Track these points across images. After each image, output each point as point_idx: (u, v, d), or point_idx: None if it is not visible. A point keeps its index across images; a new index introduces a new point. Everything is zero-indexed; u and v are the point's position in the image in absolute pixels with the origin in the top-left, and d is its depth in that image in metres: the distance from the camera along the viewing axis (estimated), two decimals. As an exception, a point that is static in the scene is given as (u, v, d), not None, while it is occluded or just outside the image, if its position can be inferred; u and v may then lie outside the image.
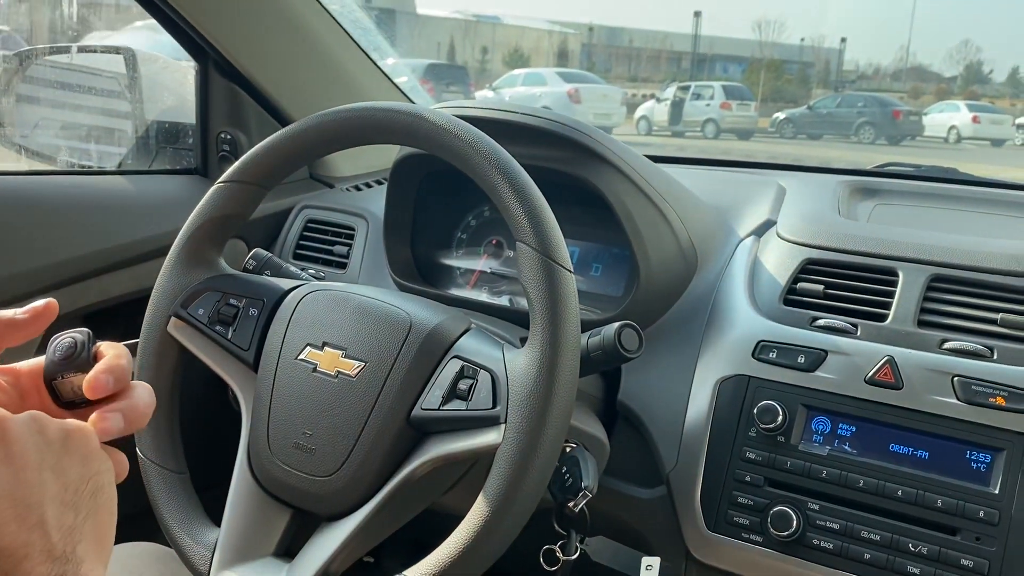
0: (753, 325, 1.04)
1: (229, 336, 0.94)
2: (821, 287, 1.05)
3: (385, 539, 0.89)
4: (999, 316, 0.97)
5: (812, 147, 16.53)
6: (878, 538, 0.90)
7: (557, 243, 0.80)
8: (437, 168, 1.16)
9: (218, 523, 0.91)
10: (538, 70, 20.71)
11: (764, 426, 0.97)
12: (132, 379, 0.60)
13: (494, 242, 1.27)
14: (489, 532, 0.76)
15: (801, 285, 1.07)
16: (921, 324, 0.99)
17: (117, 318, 1.33)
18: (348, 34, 1.51)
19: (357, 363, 0.86)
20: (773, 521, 0.94)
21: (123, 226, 1.32)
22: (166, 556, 1.05)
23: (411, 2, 26.79)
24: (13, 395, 0.59)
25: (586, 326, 0.89)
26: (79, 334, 0.60)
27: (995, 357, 0.94)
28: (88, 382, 0.57)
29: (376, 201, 1.38)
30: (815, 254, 1.09)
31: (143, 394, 0.60)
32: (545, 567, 0.94)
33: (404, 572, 0.79)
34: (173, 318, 0.95)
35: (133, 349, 1.14)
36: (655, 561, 1.02)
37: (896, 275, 1.03)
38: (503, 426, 0.77)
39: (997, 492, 0.87)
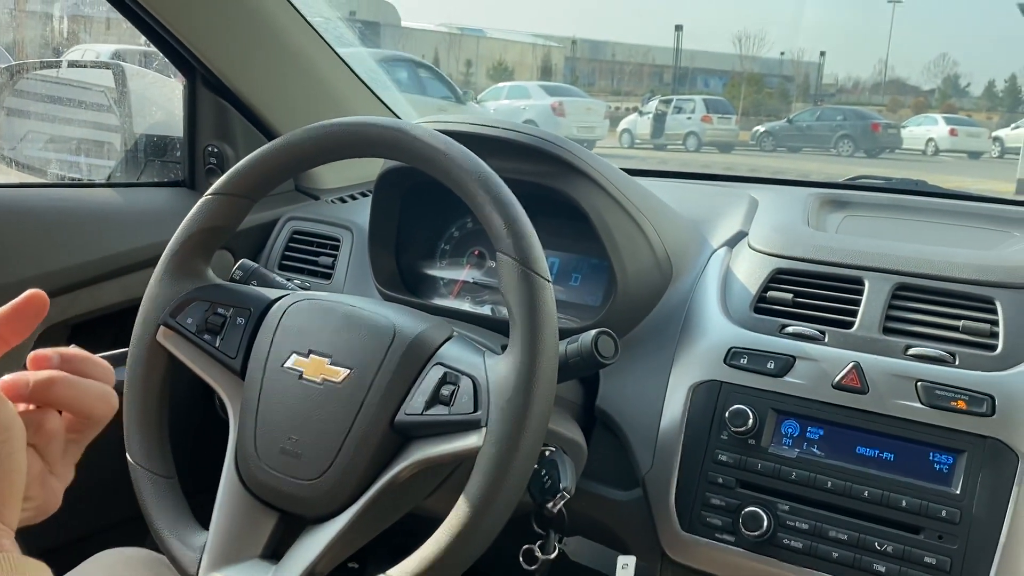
0: (725, 332, 1.07)
1: (217, 344, 0.96)
2: (790, 295, 1.09)
3: (370, 545, 0.92)
4: (961, 323, 1.01)
5: (792, 160, 16.66)
6: (845, 537, 0.94)
7: (536, 254, 0.83)
8: (421, 181, 1.19)
9: (206, 527, 0.93)
10: (522, 83, 20.78)
11: (736, 429, 1.00)
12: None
13: (476, 253, 1.30)
14: (470, 532, 0.79)
15: (771, 294, 1.10)
16: (886, 331, 1.02)
17: (106, 328, 1.35)
18: (333, 49, 1.54)
19: (342, 370, 0.89)
20: (745, 521, 0.97)
21: (112, 237, 1.34)
22: (155, 561, 1.07)
23: (395, 15, 26.85)
24: None
25: (565, 334, 0.93)
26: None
27: (957, 363, 0.98)
28: (31, 355, 0.61)
29: (361, 213, 1.41)
30: (784, 264, 1.12)
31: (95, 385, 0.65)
32: (525, 566, 0.97)
33: (387, 572, 0.82)
34: (162, 327, 0.97)
35: (123, 358, 1.17)
36: (631, 560, 1.05)
37: (862, 284, 1.07)
38: (484, 430, 0.80)
39: (958, 492, 0.91)
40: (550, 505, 0.92)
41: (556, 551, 0.97)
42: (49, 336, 1.26)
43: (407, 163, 0.92)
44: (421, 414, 0.85)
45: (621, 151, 17.67)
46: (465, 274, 1.29)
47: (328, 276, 1.39)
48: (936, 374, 0.96)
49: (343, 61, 1.56)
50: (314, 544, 0.87)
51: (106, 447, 1.08)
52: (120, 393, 0.99)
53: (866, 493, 0.94)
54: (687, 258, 1.20)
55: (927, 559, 0.90)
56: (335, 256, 1.41)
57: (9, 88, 1.66)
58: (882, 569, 0.91)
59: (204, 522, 0.95)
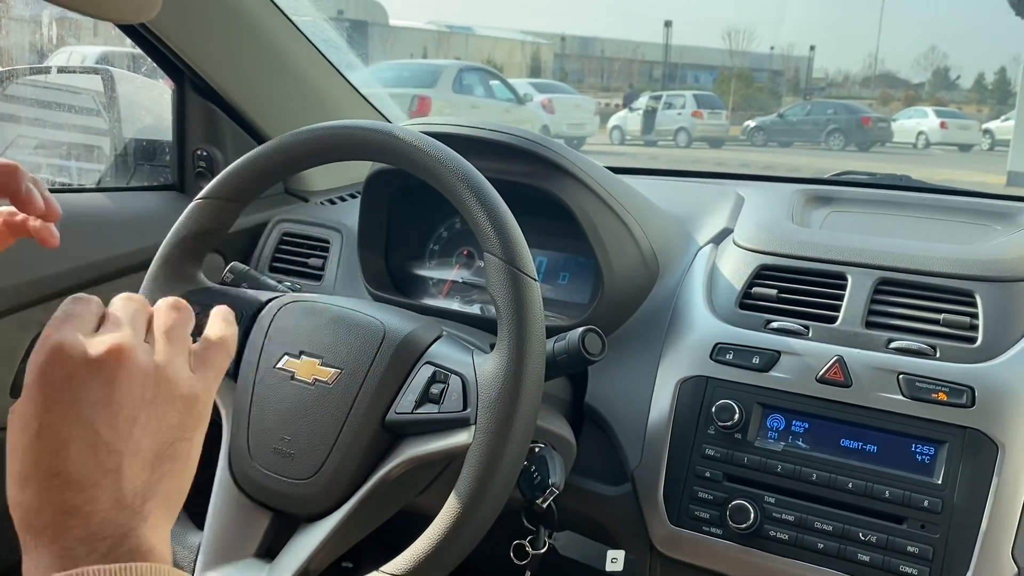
0: (711, 328, 1.09)
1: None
2: (775, 291, 1.11)
3: (363, 543, 0.93)
4: (942, 316, 1.03)
5: (782, 154, 16.70)
6: (830, 528, 0.95)
7: (522, 253, 0.85)
8: (409, 182, 1.21)
9: (201, 527, 0.95)
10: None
11: (722, 424, 1.02)
12: None
13: (465, 253, 1.32)
14: (461, 527, 0.80)
15: (756, 290, 1.12)
16: (869, 325, 1.04)
17: (99, 331, 1.36)
18: (321, 52, 1.55)
19: (333, 370, 0.90)
20: (732, 514, 0.99)
21: (103, 242, 1.35)
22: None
23: (384, 14, 26.81)
24: None
25: (553, 332, 0.94)
26: None
27: (938, 355, 0.99)
28: None
29: (350, 214, 1.42)
30: (769, 260, 1.14)
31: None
32: (515, 561, 0.98)
33: (380, 568, 0.83)
34: None
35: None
36: (620, 554, 1.07)
37: (845, 279, 1.09)
38: (473, 427, 0.82)
39: (940, 482, 0.93)
40: (540, 501, 0.93)
41: (546, 546, 0.98)
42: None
43: (395, 165, 0.94)
44: (411, 413, 0.86)
45: (612, 148, 17.68)
46: (454, 274, 1.31)
47: (318, 277, 1.40)
48: (917, 367, 0.98)
49: (330, 63, 1.57)
50: (308, 542, 0.88)
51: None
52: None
53: (850, 485, 0.96)
54: (673, 255, 1.22)
55: (910, 548, 0.92)
56: (325, 257, 1.42)
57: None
58: (866, 559, 0.93)
59: (198, 522, 0.96)
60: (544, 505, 0.93)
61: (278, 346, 0.94)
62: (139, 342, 0.54)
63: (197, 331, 0.60)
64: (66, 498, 0.49)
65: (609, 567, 1.07)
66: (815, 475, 0.97)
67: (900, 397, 0.97)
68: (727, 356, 1.06)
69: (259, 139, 1.51)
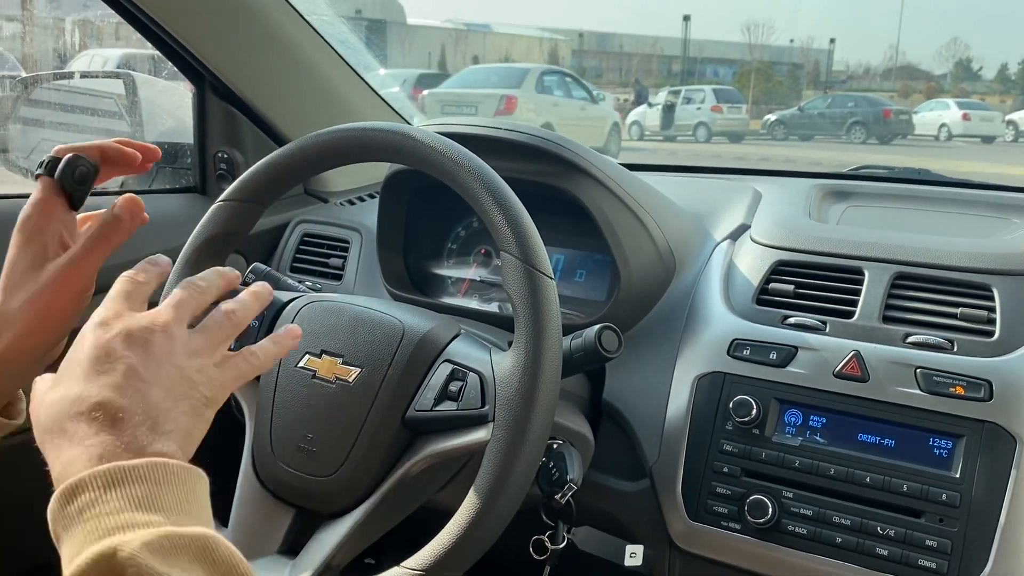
0: (728, 325, 1.09)
1: (231, 347, 0.99)
2: (791, 287, 1.11)
3: (385, 539, 0.94)
4: (959, 311, 1.03)
5: (803, 148, 16.59)
6: (848, 523, 0.96)
7: (538, 252, 0.85)
8: (427, 182, 1.22)
9: (225, 524, 0.96)
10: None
11: (740, 419, 1.02)
12: None
13: (483, 252, 1.33)
14: (480, 522, 0.81)
15: (773, 285, 1.12)
16: (886, 320, 1.04)
17: (123, 332, 1.38)
18: (339, 54, 1.56)
19: (354, 369, 0.92)
20: (750, 509, 0.99)
21: (126, 244, 1.36)
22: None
23: (401, 12, 26.86)
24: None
25: (571, 329, 0.95)
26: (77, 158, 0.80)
27: (955, 349, 0.99)
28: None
29: (369, 215, 1.43)
30: (785, 256, 1.14)
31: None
32: (535, 556, 0.99)
33: (401, 564, 0.84)
34: None
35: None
36: (638, 549, 1.08)
37: (862, 274, 1.09)
38: (491, 424, 0.83)
39: (958, 476, 0.93)
40: (558, 496, 0.94)
41: (565, 541, 0.99)
42: (67, 340, 1.29)
43: (412, 166, 0.95)
44: (430, 410, 0.88)
45: (631, 143, 17.63)
46: (472, 272, 1.32)
47: (338, 277, 1.42)
48: (935, 361, 0.98)
49: (348, 64, 1.58)
50: (330, 538, 0.89)
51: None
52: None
53: (868, 479, 0.96)
54: (690, 252, 1.22)
55: (928, 542, 0.92)
56: (345, 257, 1.43)
57: (24, 98, 1.70)
58: (884, 552, 0.93)
59: (223, 520, 0.97)
60: (563, 501, 0.94)
61: (300, 345, 0.95)
62: (177, 328, 0.66)
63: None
64: (110, 398, 0.57)
65: (628, 562, 1.08)
66: (833, 470, 0.98)
67: (917, 391, 0.97)
68: (744, 352, 1.06)
69: (279, 141, 1.52)
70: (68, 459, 0.56)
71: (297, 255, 1.49)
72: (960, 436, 0.94)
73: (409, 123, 1.67)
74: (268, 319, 0.99)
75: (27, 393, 0.68)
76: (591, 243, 1.23)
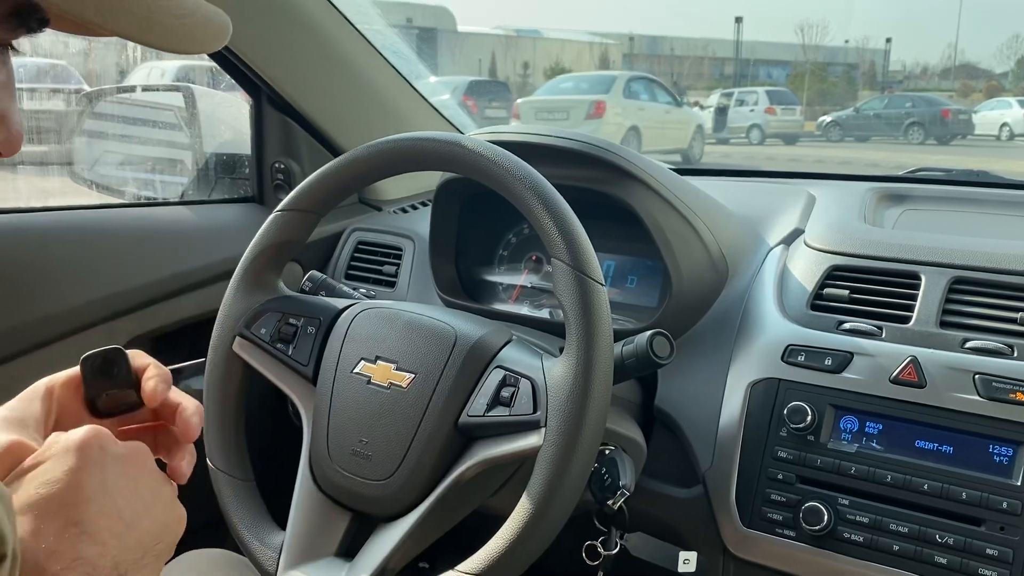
0: (782, 330, 1.09)
1: (289, 353, 1.01)
2: (847, 292, 1.10)
3: (438, 544, 0.96)
4: (1019, 315, 1.00)
5: (859, 149, 16.30)
6: (906, 530, 0.94)
7: (589, 258, 0.86)
8: (478, 189, 1.23)
9: (283, 527, 0.98)
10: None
11: (794, 426, 1.01)
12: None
13: (534, 258, 1.33)
14: (533, 527, 0.82)
15: (827, 291, 1.11)
16: (943, 325, 1.03)
17: (184, 339, 1.41)
18: (391, 64, 1.58)
19: (408, 375, 0.93)
20: (805, 516, 0.98)
21: (187, 253, 1.41)
22: (235, 561, 1.12)
23: (452, 20, 27.02)
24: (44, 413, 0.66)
25: (622, 335, 0.95)
26: (111, 351, 0.65)
27: (1015, 355, 0.97)
28: (149, 393, 0.65)
29: (422, 222, 1.45)
30: (840, 261, 1.13)
31: (191, 409, 0.69)
32: (587, 561, 1.00)
33: (455, 568, 0.85)
34: (238, 338, 1.03)
35: (201, 367, 1.22)
36: (692, 555, 1.07)
37: (919, 279, 1.07)
38: (543, 429, 0.83)
39: (1019, 484, 0.91)
40: (610, 502, 0.94)
41: (618, 547, 1.00)
42: (131, 348, 1.33)
43: (463, 174, 0.96)
44: (483, 415, 0.88)
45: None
46: (523, 279, 1.33)
47: (392, 284, 1.44)
48: (994, 366, 0.96)
49: (400, 75, 1.60)
50: (386, 542, 0.90)
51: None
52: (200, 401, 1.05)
53: (926, 486, 0.94)
54: (743, 257, 1.22)
55: (989, 551, 0.90)
56: (398, 265, 1.45)
57: (88, 112, 1.75)
58: (943, 561, 0.92)
59: (281, 522, 0.99)
60: (615, 507, 0.95)
61: (355, 351, 0.97)
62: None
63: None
64: (80, 548, 0.55)
65: (681, 568, 1.08)
66: (889, 477, 0.96)
67: (976, 397, 0.95)
68: (799, 358, 1.05)
69: (334, 151, 1.55)
70: None
71: (352, 263, 1.51)
72: (1021, 443, 0.92)
73: (460, 131, 1.69)
74: (325, 326, 1.01)
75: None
76: (642, 248, 1.23)
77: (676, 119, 14.01)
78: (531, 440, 0.84)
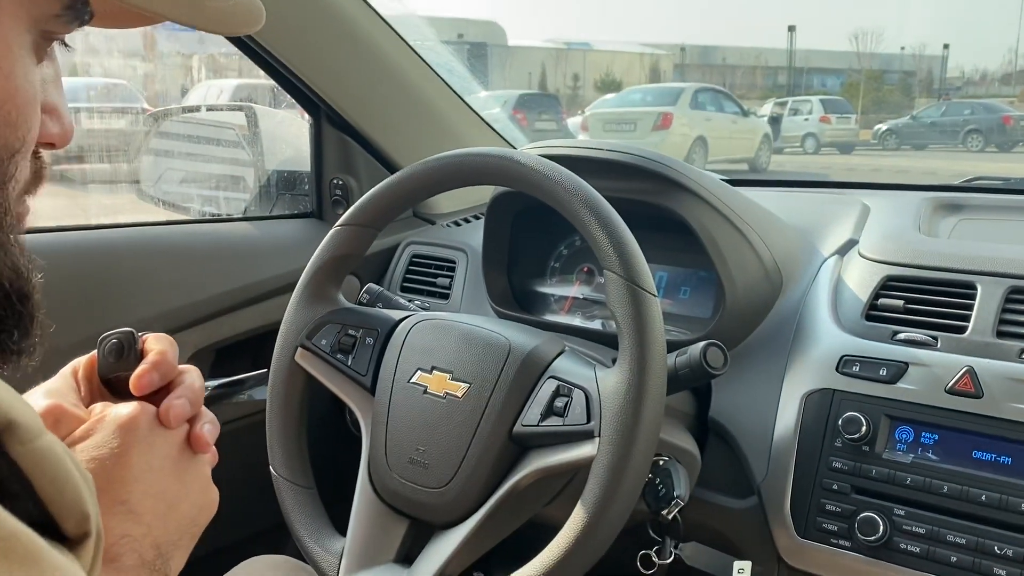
0: (836, 341, 1.08)
1: (349, 363, 1.04)
2: (901, 302, 1.09)
3: (494, 553, 0.97)
4: None
5: (917, 158, 15.98)
6: (964, 541, 0.94)
7: (641, 270, 0.87)
8: (530, 202, 1.25)
9: (344, 533, 1.01)
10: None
11: (849, 436, 1.01)
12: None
13: (585, 270, 1.35)
14: (587, 536, 0.83)
15: (882, 301, 1.11)
16: (1000, 335, 1.02)
17: (247, 350, 1.45)
18: (444, 81, 1.62)
19: (463, 385, 0.95)
20: (860, 527, 0.98)
21: (250, 268, 1.45)
22: (297, 567, 1.14)
23: (502, 34, 27.15)
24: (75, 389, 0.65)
25: (676, 346, 0.96)
26: (123, 334, 0.64)
27: (1075, 365, 0.96)
28: (134, 381, 0.62)
29: (475, 235, 1.47)
30: (895, 271, 1.13)
31: (195, 377, 0.66)
32: (642, 571, 1.01)
33: (511, 574, 0.87)
34: (299, 349, 1.06)
35: (264, 378, 1.26)
36: (746, 565, 1.07)
37: (975, 288, 1.06)
38: (597, 439, 0.85)
39: None
40: (665, 512, 0.95)
41: (672, 556, 1.00)
42: (197, 359, 1.37)
43: (515, 188, 0.98)
44: (537, 425, 0.90)
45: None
46: (575, 290, 1.34)
47: (446, 296, 1.46)
48: (1053, 377, 0.95)
49: (454, 92, 1.63)
50: (443, 549, 0.92)
51: (251, 461, 1.18)
52: (263, 411, 1.09)
53: (983, 497, 0.94)
54: (797, 268, 1.22)
55: (1050, 563, 0.89)
56: (452, 277, 1.47)
57: (154, 132, 1.81)
58: (1002, 573, 0.91)
59: (341, 529, 1.02)
60: (669, 516, 0.96)
61: (411, 362, 1.00)
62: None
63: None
64: (126, 526, 0.56)
65: (735, 578, 1.08)
66: (946, 487, 0.96)
67: (1035, 408, 0.94)
68: (854, 368, 1.05)
69: (390, 168, 1.58)
70: None
71: (407, 275, 1.54)
72: (1082, 454, 0.91)
73: (512, 146, 1.71)
74: (382, 337, 1.03)
75: None
76: (695, 260, 1.24)
77: (743, 129, 14.21)
78: (585, 450, 0.86)
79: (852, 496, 1.01)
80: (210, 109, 1.82)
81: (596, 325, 1.26)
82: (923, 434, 0.99)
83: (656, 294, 0.88)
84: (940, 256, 1.12)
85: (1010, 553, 0.91)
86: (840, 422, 1.02)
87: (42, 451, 0.36)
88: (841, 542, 1.00)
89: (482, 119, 1.70)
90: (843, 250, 1.25)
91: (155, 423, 0.60)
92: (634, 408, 0.83)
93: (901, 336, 1.06)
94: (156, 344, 0.65)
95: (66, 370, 0.67)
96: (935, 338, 1.04)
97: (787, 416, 1.07)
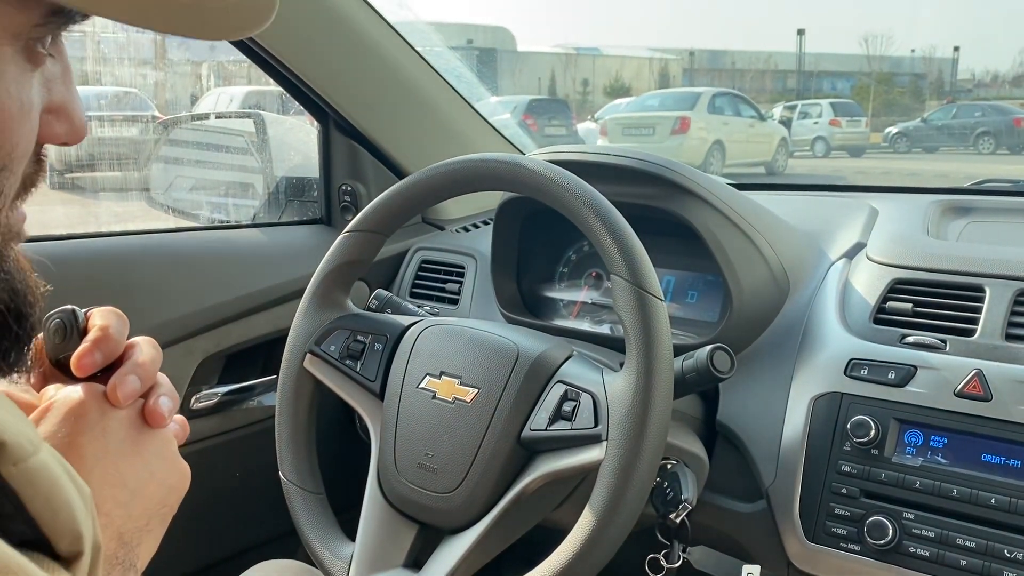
0: (844, 344, 1.08)
1: (358, 369, 1.05)
2: (910, 305, 1.09)
3: (503, 557, 0.98)
4: None
5: (928, 161, 15.92)
6: (973, 545, 0.93)
7: (648, 274, 0.88)
8: (538, 208, 1.25)
9: (353, 538, 1.01)
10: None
11: (858, 440, 1.01)
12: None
13: (593, 274, 1.35)
14: (595, 540, 0.83)
15: (890, 304, 1.11)
16: (1009, 338, 1.01)
17: (256, 356, 1.46)
18: (453, 88, 1.62)
19: (471, 390, 0.96)
20: (870, 530, 0.98)
21: (259, 274, 1.45)
22: (306, 572, 1.15)
23: (512, 40, 27.20)
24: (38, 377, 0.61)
25: (683, 350, 0.97)
26: (64, 313, 0.59)
27: (1085, 367, 0.96)
28: (75, 362, 0.56)
29: (483, 241, 1.47)
30: (903, 274, 1.12)
31: (147, 348, 0.61)
32: (651, 574, 1.01)
33: None
34: (308, 355, 1.07)
35: (273, 384, 1.26)
36: (755, 569, 1.07)
37: (983, 291, 1.06)
38: (605, 443, 0.85)
39: None
40: (673, 516, 0.95)
41: (680, 560, 1.00)
42: (206, 365, 1.38)
43: (523, 194, 0.99)
44: (545, 429, 0.90)
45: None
46: (583, 295, 1.34)
47: (455, 301, 1.46)
48: (1063, 380, 0.95)
49: (462, 98, 1.64)
50: (452, 553, 0.93)
51: (260, 467, 1.19)
52: (272, 417, 1.09)
53: (993, 500, 0.93)
54: (804, 272, 1.22)
55: (1060, 567, 0.89)
56: (461, 282, 1.48)
57: (164, 139, 1.83)
58: (1012, 576, 0.91)
59: (350, 534, 1.02)
60: (677, 520, 0.96)
61: (420, 367, 1.00)
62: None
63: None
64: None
65: (744, 582, 1.08)
66: (956, 491, 0.96)
67: (1045, 411, 0.94)
68: (862, 372, 1.05)
69: (398, 173, 1.59)
70: None
71: (416, 280, 1.55)
72: (1092, 457, 0.91)
73: (521, 151, 1.72)
74: (391, 343, 1.04)
75: None
76: (702, 264, 1.24)
77: (760, 132, 14.32)
78: (593, 454, 0.86)
79: (861, 500, 1.00)
80: (219, 116, 1.83)
81: (605, 329, 1.26)
82: (932, 437, 0.99)
83: (663, 298, 0.88)
84: (948, 259, 1.12)
85: (1020, 556, 0.91)
86: (849, 426, 1.02)
87: (35, 471, 0.35)
88: (850, 546, 1.00)
89: (490, 125, 1.70)
90: (851, 253, 1.25)
91: (105, 405, 0.56)
92: (641, 412, 0.84)
93: (909, 339, 1.06)
94: (99, 320, 0.59)
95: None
96: (944, 341, 1.04)
97: (795, 420, 1.07)
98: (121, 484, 0.54)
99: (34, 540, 0.36)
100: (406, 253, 1.58)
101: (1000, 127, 17.05)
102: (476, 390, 0.95)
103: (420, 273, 1.55)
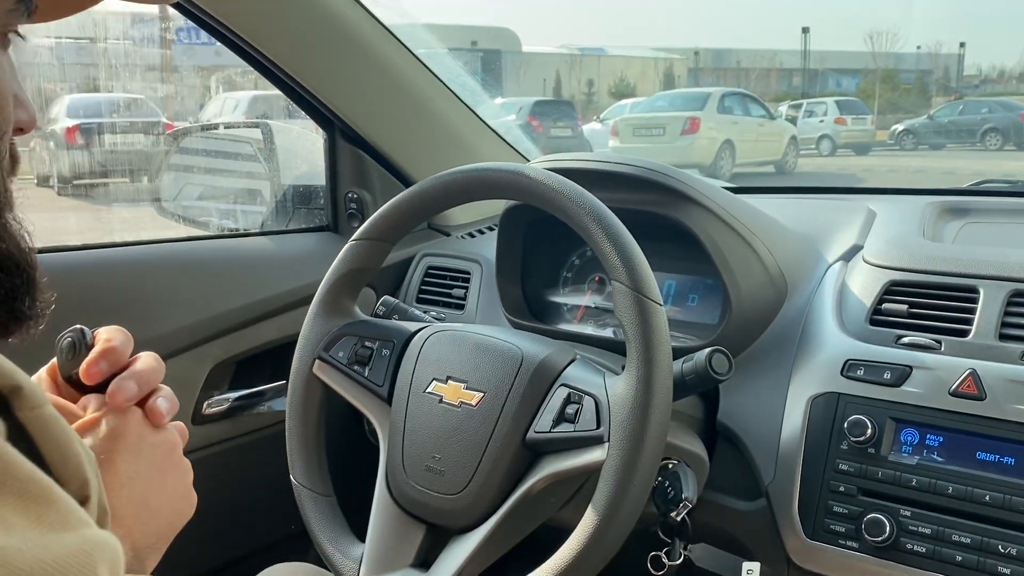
0: (841, 345, 1.11)
1: (366, 374, 1.07)
2: (905, 307, 1.11)
3: (509, 556, 1.00)
4: None
5: (934, 158, 15.88)
6: (968, 541, 0.96)
7: (647, 280, 0.90)
8: (542, 214, 1.27)
9: (363, 539, 1.04)
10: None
11: (855, 439, 1.03)
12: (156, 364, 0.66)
13: (597, 279, 1.38)
14: (598, 539, 0.86)
15: (886, 306, 1.13)
16: (1002, 338, 1.04)
17: (265, 362, 1.48)
18: (457, 96, 1.65)
19: (477, 394, 0.98)
20: (867, 528, 1.00)
21: (267, 281, 1.48)
22: (317, 574, 1.17)
23: (516, 41, 27.20)
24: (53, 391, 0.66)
25: (683, 352, 0.99)
26: (73, 331, 0.65)
27: (1076, 366, 0.98)
28: (84, 371, 0.62)
29: (488, 247, 1.49)
30: (898, 276, 1.15)
31: (147, 359, 0.66)
32: (652, 572, 1.03)
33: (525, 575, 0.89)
34: (317, 361, 1.09)
35: (283, 389, 1.29)
36: (755, 566, 1.10)
37: (977, 292, 1.08)
38: (606, 444, 0.87)
39: None
40: (674, 514, 0.98)
41: (681, 557, 1.03)
42: (217, 372, 1.40)
43: (525, 202, 1.01)
44: (549, 431, 0.93)
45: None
46: (587, 299, 1.37)
47: (461, 307, 1.49)
48: (1055, 378, 0.97)
49: (468, 107, 1.66)
50: (460, 553, 0.95)
51: (271, 471, 1.21)
52: (283, 422, 1.12)
53: (987, 497, 0.96)
54: (801, 274, 1.24)
55: (1053, 561, 0.91)
56: (466, 288, 1.50)
57: (174, 149, 1.86)
58: (1007, 571, 0.93)
59: (360, 536, 1.05)
60: (678, 518, 0.98)
61: (427, 372, 1.03)
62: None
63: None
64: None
65: (744, 579, 1.10)
66: (951, 488, 0.98)
67: (1037, 409, 0.96)
68: (858, 372, 1.07)
69: (404, 181, 1.61)
70: None
71: (422, 287, 1.57)
72: (1083, 454, 0.93)
73: (525, 157, 1.74)
74: (398, 348, 1.06)
75: None
76: (702, 268, 1.26)
77: (770, 131, 14.35)
78: (595, 455, 0.88)
79: (859, 498, 1.03)
80: (227, 127, 1.86)
81: (608, 333, 1.28)
82: (928, 436, 1.01)
83: (662, 303, 0.90)
84: (943, 261, 1.14)
85: (1014, 552, 0.93)
86: (846, 425, 1.04)
87: (47, 418, 0.38)
88: (849, 543, 1.02)
89: (495, 132, 1.73)
90: (848, 256, 1.27)
91: (144, 430, 0.62)
92: (641, 413, 0.86)
93: (905, 340, 1.08)
94: (104, 335, 0.65)
95: (41, 374, 0.68)
96: (938, 342, 1.06)
97: (794, 419, 1.09)
98: (144, 504, 0.60)
99: None
100: (412, 259, 1.61)
101: (1007, 123, 16.99)
102: (482, 394, 0.97)
103: (426, 279, 1.57)
